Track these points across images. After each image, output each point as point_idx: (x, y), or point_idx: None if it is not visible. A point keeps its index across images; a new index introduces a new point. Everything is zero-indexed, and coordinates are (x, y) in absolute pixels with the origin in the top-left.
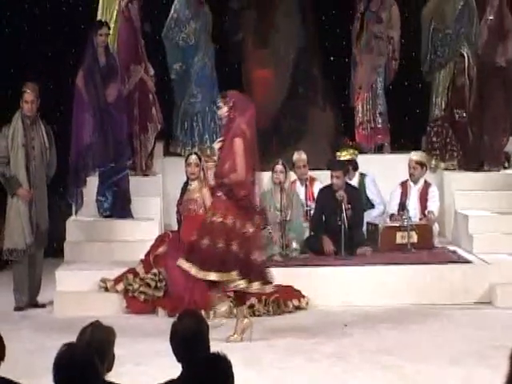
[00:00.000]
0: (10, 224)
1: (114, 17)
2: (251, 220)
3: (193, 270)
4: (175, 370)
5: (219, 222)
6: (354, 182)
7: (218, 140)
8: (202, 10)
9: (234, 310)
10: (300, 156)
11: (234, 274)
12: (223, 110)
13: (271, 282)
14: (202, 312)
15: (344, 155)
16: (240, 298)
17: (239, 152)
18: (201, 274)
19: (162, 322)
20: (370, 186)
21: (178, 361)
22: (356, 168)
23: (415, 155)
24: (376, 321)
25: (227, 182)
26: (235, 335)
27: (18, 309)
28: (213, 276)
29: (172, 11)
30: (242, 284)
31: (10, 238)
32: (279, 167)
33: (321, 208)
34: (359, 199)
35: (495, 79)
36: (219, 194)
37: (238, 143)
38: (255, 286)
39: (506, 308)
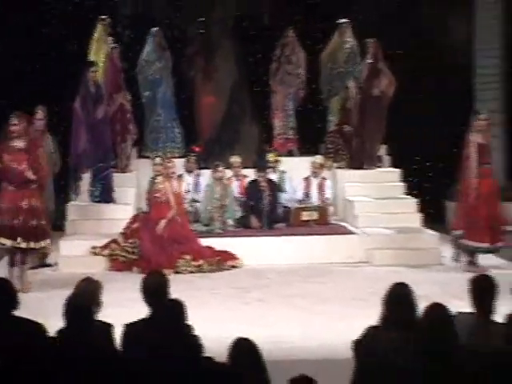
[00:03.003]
0: None
1: (102, 58)
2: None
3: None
4: (145, 311)
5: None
6: (276, 176)
7: None
8: (165, 53)
9: None
10: (235, 159)
11: (20, 239)
12: (16, 128)
13: (45, 239)
14: (166, 270)
15: (271, 157)
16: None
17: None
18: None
19: (137, 278)
20: (286, 181)
21: (146, 305)
22: (277, 167)
23: (318, 159)
24: (290, 275)
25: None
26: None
27: (31, 268)
28: (3, 241)
29: (143, 54)
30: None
31: None
32: (219, 168)
33: (249, 195)
34: (276, 189)
35: (372, 105)
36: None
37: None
38: (32, 245)
39: (380, 266)
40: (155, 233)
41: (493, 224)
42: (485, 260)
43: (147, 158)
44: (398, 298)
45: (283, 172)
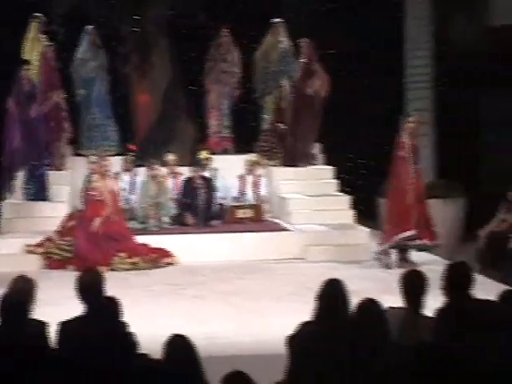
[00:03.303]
0: None
1: (37, 56)
2: None
3: None
4: (80, 309)
5: None
6: (208, 174)
7: None
8: (100, 52)
9: None
10: (171, 157)
11: None
12: None
13: None
14: (101, 268)
15: (204, 155)
16: None
17: None
18: None
19: (72, 276)
20: (219, 178)
21: (82, 303)
22: (209, 165)
23: (253, 157)
24: (225, 272)
25: None
26: None
27: None
28: None
29: (78, 53)
30: None
31: None
32: (154, 165)
33: (184, 193)
34: (211, 186)
35: (306, 104)
36: None
37: None
38: None
39: (314, 262)
40: (90, 231)
41: (427, 223)
42: (415, 256)
43: (82, 156)
44: (332, 293)
45: (215, 170)
